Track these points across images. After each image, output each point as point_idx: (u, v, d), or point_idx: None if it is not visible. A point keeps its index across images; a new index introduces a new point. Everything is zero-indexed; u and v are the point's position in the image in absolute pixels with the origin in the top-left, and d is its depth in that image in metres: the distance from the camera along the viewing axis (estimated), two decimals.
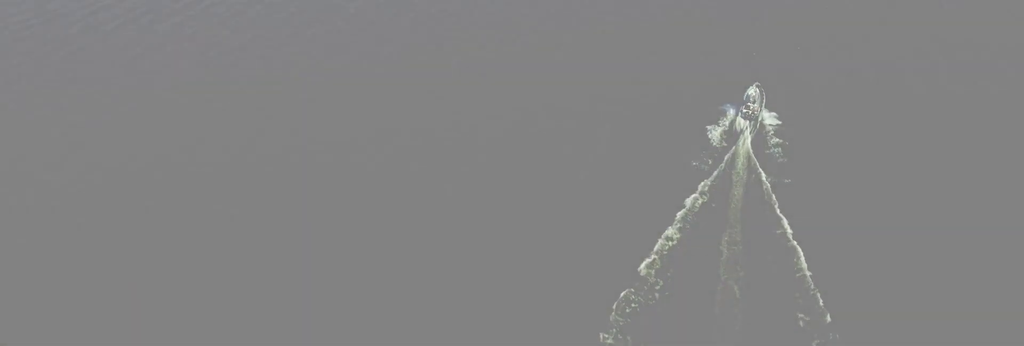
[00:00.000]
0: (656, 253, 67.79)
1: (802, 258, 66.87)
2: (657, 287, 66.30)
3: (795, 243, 67.88)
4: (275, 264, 69.46)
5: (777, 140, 75.93)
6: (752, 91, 78.30)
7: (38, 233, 72.99)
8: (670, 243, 68.53)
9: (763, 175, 72.96)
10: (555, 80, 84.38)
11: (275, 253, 70.31)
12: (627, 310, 64.78)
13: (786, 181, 72.57)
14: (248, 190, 75.90)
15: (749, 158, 74.28)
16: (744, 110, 76.70)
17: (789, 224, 69.06)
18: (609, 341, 62.82)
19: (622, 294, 65.61)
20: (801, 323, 63.63)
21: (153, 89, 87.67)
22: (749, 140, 75.30)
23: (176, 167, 78.58)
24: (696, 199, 71.70)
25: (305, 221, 72.87)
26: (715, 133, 76.30)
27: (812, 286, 65.18)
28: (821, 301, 64.31)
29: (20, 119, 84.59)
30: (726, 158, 74.86)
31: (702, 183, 73.23)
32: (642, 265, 67.21)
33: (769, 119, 77.03)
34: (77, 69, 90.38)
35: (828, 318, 63.33)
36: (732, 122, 76.67)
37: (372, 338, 64.92)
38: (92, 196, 76.35)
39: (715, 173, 74.02)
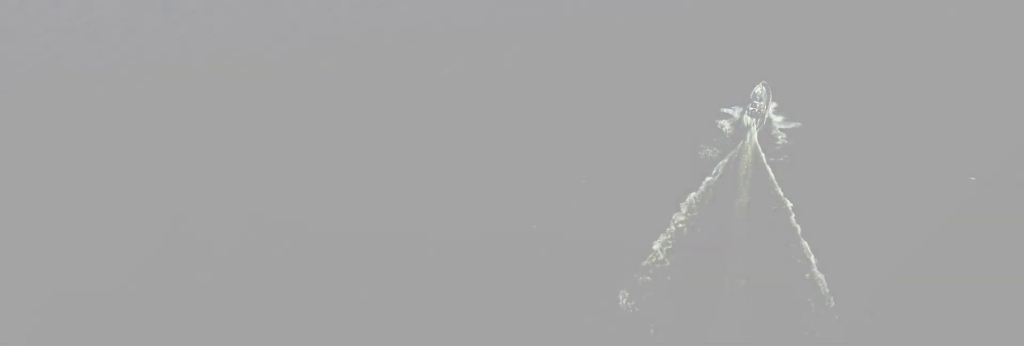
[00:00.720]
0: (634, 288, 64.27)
1: (831, 298, 62.65)
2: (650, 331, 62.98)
3: (821, 277, 63.61)
4: (276, 261, 69.91)
5: (784, 136, 74.09)
6: (759, 89, 77.39)
7: (36, 233, 72.93)
8: (667, 277, 64.67)
9: (780, 193, 69.46)
10: (554, 77, 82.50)
11: (276, 250, 70.71)
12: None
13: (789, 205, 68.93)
14: (242, 188, 75.45)
15: (757, 156, 71.75)
16: (751, 108, 75.86)
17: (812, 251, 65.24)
18: None
19: None
20: None
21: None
22: (756, 135, 73.26)
23: (169, 165, 78.16)
24: (689, 215, 67.89)
25: (296, 219, 72.79)
26: (709, 152, 74.04)
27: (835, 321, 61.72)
28: None
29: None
30: (729, 156, 72.20)
31: (690, 196, 69.54)
32: (622, 299, 64.23)
33: (776, 117, 75.65)
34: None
35: None
36: (736, 123, 75.27)
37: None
38: (86, 193, 76.16)
39: (703, 189, 70.18)
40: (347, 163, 76.91)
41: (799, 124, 74.86)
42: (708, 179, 70.33)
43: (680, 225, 66.67)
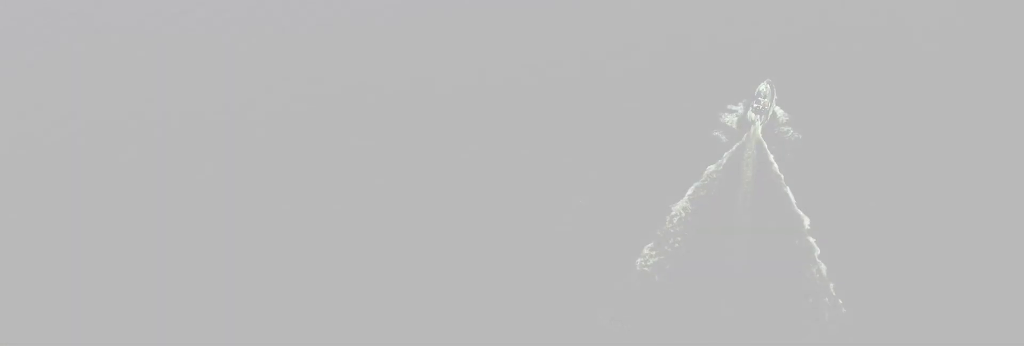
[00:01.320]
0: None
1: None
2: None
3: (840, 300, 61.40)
4: (275, 261, 69.38)
5: (789, 133, 73.29)
6: (763, 87, 76.79)
7: (35, 231, 72.33)
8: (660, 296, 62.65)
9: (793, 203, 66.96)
10: (554, 74, 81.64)
11: (275, 250, 70.06)
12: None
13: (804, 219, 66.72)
14: (240, 187, 74.63)
15: (760, 150, 70.38)
16: (755, 105, 75.30)
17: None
18: None
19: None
20: None
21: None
22: (760, 131, 72.15)
23: (166, 163, 76.94)
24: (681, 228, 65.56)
25: (293, 218, 72.35)
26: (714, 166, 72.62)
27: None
28: None
29: None
30: (727, 158, 70.53)
31: (678, 205, 67.24)
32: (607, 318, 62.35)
33: (781, 115, 75.27)
34: None
35: None
36: (741, 117, 74.83)
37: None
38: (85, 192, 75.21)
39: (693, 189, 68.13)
40: (337, 166, 76.08)
41: (800, 136, 73.71)
42: (696, 185, 69.00)
43: (676, 242, 64.80)
